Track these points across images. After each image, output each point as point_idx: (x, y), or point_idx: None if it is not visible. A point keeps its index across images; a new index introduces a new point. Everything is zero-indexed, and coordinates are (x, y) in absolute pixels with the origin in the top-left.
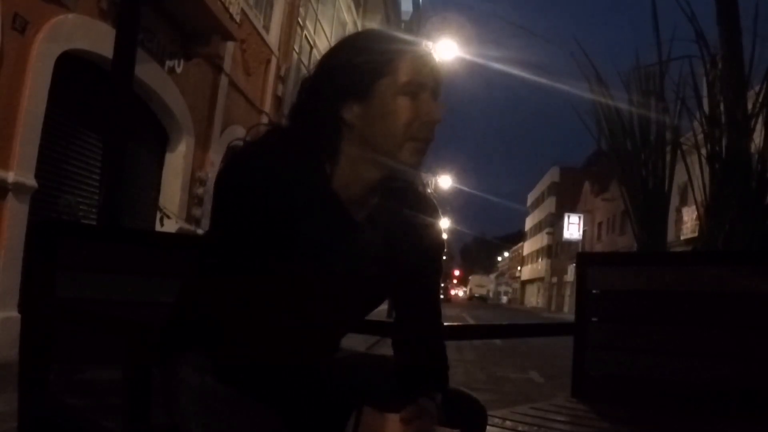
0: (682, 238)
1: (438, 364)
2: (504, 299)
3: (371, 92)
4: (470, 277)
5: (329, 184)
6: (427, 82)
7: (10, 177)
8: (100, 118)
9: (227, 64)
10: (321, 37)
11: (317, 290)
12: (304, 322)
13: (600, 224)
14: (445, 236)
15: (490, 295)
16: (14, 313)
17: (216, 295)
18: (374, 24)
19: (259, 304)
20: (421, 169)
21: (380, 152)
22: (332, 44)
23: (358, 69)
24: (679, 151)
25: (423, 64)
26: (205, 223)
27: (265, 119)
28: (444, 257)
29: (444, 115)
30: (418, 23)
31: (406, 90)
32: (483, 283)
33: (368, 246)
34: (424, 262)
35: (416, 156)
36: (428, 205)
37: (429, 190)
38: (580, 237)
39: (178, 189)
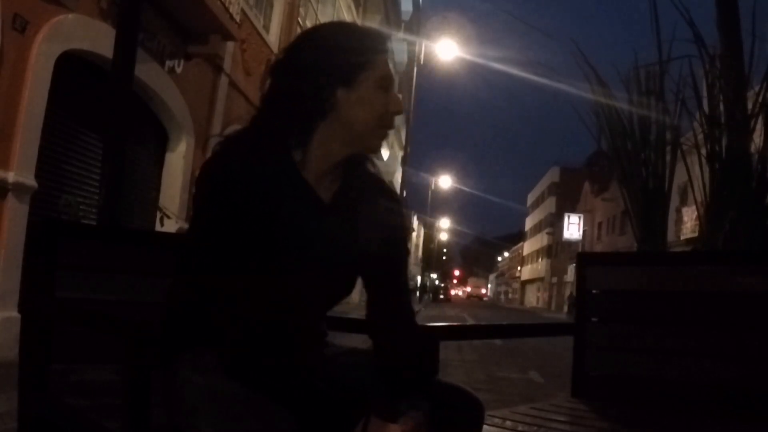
0: (682, 238)
1: (417, 366)
2: (502, 299)
3: (355, 81)
4: (469, 279)
5: (297, 169)
6: (394, 77)
7: (10, 177)
8: (100, 118)
9: (227, 64)
10: None
11: (297, 274)
12: (288, 304)
13: (600, 224)
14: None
15: (488, 294)
16: (14, 313)
17: (205, 292)
18: (374, 24)
19: (244, 293)
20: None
21: (354, 135)
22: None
23: (345, 59)
24: (679, 151)
25: (391, 60)
26: None
27: None
28: (444, 257)
29: (443, 116)
30: (418, 23)
31: (381, 83)
32: (479, 285)
33: (337, 226)
34: (391, 241)
35: (381, 141)
36: (389, 189)
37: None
38: (580, 237)
39: (178, 189)
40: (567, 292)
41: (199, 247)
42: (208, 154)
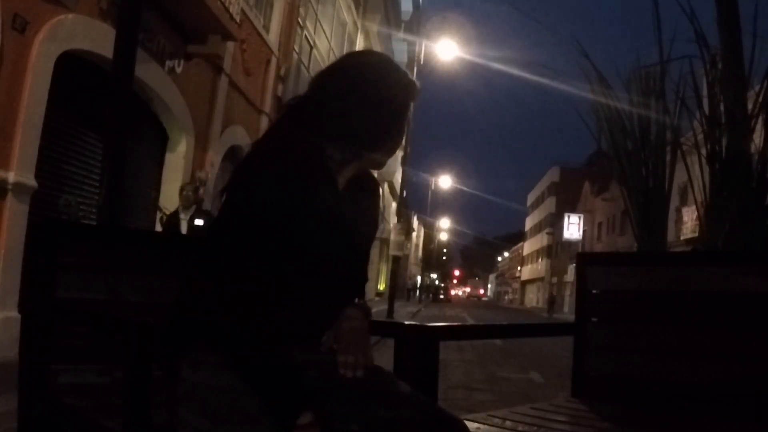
0: (682, 238)
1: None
2: (504, 299)
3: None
4: (468, 281)
5: (329, 165)
6: None
7: (10, 177)
8: (100, 118)
9: (227, 64)
10: (321, 37)
11: (323, 260)
12: (305, 299)
13: (600, 224)
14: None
15: (488, 294)
16: (14, 313)
17: (229, 286)
18: (374, 24)
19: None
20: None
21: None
22: (332, 46)
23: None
24: (679, 151)
25: None
26: None
27: (264, 119)
28: (444, 257)
29: (443, 116)
30: (418, 23)
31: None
32: (478, 286)
33: (349, 210)
34: (377, 221)
35: None
36: (376, 184)
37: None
38: (580, 237)
39: (178, 189)
40: (567, 292)
41: (233, 244)
42: (208, 155)
